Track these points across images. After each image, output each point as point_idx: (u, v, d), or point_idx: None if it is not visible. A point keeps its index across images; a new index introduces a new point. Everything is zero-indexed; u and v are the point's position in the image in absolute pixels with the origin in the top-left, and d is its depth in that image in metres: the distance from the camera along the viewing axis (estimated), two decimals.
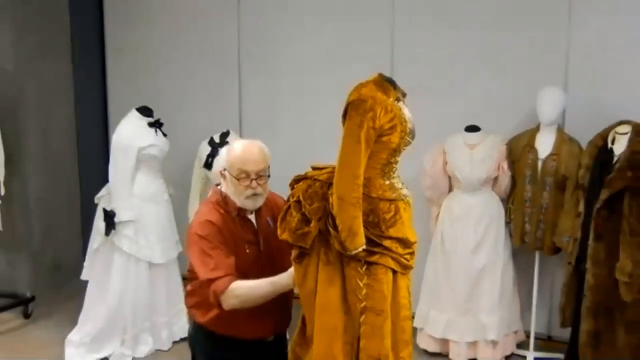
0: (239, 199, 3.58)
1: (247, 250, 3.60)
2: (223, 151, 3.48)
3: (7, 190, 6.49)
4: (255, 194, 3.58)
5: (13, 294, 6.88)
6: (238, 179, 3.54)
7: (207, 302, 3.53)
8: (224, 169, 3.62)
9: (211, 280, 3.46)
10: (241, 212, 3.62)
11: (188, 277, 3.74)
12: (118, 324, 5.94)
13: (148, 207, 5.98)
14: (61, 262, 7.39)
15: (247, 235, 3.63)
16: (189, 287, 3.75)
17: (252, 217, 3.67)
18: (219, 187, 3.71)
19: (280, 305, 3.65)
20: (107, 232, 5.86)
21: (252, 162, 3.55)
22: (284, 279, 3.47)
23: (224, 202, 3.62)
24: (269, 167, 3.64)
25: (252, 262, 3.60)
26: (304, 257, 3.46)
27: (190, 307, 3.76)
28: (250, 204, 3.61)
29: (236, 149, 3.61)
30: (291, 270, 3.46)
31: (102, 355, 5.88)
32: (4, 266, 7.17)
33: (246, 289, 3.44)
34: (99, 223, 5.99)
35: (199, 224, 3.56)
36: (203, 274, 3.49)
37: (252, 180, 3.55)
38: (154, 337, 6.05)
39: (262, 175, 3.58)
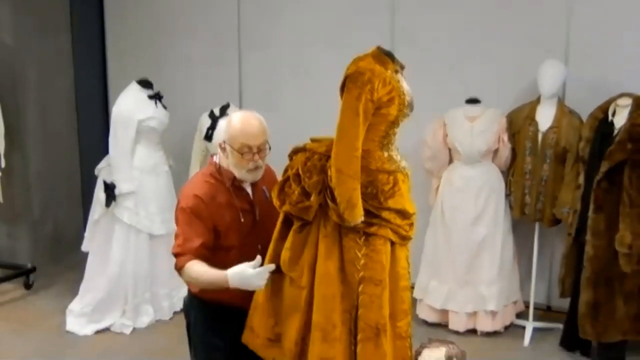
0: (239, 172, 3.58)
1: (242, 220, 3.61)
2: (222, 123, 3.43)
3: (8, 162, 6.49)
4: (256, 167, 3.59)
5: (14, 265, 6.91)
6: (241, 153, 3.53)
7: None
8: (224, 142, 3.61)
9: (176, 255, 3.53)
10: (236, 182, 3.63)
11: None
12: (119, 294, 5.98)
13: (148, 179, 5.99)
14: (62, 233, 7.41)
15: (243, 205, 3.64)
16: None
17: (247, 186, 3.68)
18: (214, 158, 3.72)
19: None
20: (108, 203, 5.88)
21: (254, 136, 3.54)
22: (220, 279, 3.37)
23: (218, 172, 3.64)
24: (267, 139, 3.65)
25: (248, 231, 3.62)
26: (305, 228, 3.48)
27: None
28: (250, 177, 3.62)
29: (236, 122, 3.59)
30: (226, 272, 3.36)
31: (103, 326, 5.93)
32: (5, 237, 7.19)
33: (194, 273, 3.45)
34: (99, 194, 6.00)
35: (186, 197, 3.59)
36: (173, 247, 3.57)
37: (254, 154, 3.55)
38: (154, 307, 6.08)
39: (262, 149, 3.59)
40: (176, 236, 3.57)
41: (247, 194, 3.67)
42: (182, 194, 3.63)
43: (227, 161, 3.61)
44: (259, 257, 3.36)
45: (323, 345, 3.44)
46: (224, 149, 3.61)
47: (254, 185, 3.69)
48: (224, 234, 3.58)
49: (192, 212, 3.52)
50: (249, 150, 3.53)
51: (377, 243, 3.42)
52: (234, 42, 7.13)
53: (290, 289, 3.53)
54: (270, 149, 3.64)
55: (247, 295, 3.61)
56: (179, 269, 3.51)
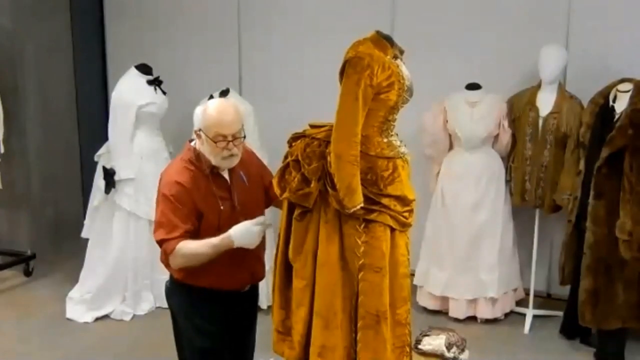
0: (215, 160, 3.58)
1: (222, 207, 3.61)
2: (198, 110, 3.45)
3: (7, 148, 6.48)
4: (231, 155, 3.58)
5: (14, 252, 6.90)
6: (215, 142, 3.53)
7: None
8: (199, 129, 3.59)
9: (163, 241, 3.51)
10: (214, 169, 3.62)
11: None
12: (119, 281, 5.98)
13: (148, 165, 5.96)
14: (61, 220, 7.40)
15: (221, 192, 3.63)
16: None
17: (225, 173, 3.67)
18: (192, 143, 3.70)
19: (256, 256, 3.70)
20: (107, 190, 5.87)
21: (228, 125, 3.54)
22: (224, 241, 3.48)
23: (197, 159, 3.62)
24: (243, 126, 3.64)
25: (227, 218, 3.60)
26: (306, 215, 3.48)
27: (167, 264, 3.75)
28: (226, 164, 3.62)
29: (212, 110, 3.58)
30: (229, 232, 3.48)
31: (103, 313, 5.93)
32: (5, 224, 7.19)
33: (189, 250, 3.47)
34: (99, 181, 6.00)
35: (167, 183, 3.58)
36: (158, 234, 3.54)
37: (228, 142, 3.54)
38: (154, 294, 6.06)
39: (238, 137, 3.58)
40: (159, 224, 3.55)
41: (225, 180, 3.66)
42: (163, 181, 3.62)
43: (203, 148, 3.60)
44: (262, 217, 3.53)
45: (324, 333, 3.45)
46: (199, 136, 3.60)
47: (231, 171, 3.68)
48: (204, 220, 3.58)
49: (175, 199, 3.51)
50: (223, 138, 3.52)
51: (377, 230, 3.41)
52: (234, 26, 7.11)
53: (296, 282, 3.54)
54: (245, 137, 3.64)
55: (234, 279, 3.66)
56: (170, 252, 3.49)
